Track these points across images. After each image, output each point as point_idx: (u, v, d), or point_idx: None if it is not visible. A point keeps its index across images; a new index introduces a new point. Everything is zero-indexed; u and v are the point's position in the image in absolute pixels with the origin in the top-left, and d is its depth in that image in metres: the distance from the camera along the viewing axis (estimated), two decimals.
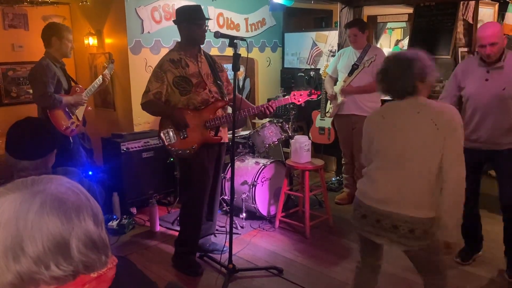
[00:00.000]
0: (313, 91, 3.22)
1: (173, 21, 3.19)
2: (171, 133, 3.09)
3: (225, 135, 3.28)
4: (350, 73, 4.23)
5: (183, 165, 3.30)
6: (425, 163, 1.97)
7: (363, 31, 4.23)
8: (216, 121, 3.10)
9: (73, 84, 3.78)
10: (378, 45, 9.71)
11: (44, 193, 0.79)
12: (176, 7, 4.70)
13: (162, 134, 3.12)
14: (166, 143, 3.11)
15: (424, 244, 2.00)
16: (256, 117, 3.84)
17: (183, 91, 3.06)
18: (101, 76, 3.97)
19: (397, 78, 2.01)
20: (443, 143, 1.93)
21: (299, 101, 3.24)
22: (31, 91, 3.86)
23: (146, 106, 3.11)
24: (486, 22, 3.20)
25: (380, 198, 2.05)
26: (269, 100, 5.81)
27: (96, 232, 0.82)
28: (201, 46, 3.19)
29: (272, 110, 3.12)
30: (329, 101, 4.54)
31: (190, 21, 3.06)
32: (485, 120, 2.89)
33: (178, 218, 3.48)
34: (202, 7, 3.12)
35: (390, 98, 2.14)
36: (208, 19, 3.24)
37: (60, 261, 0.76)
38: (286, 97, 3.25)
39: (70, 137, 3.61)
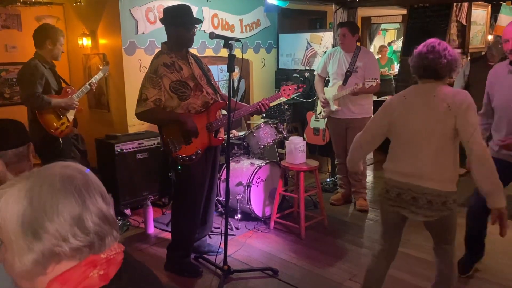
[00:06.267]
0: (300, 85, 3.35)
1: (160, 20, 3.06)
2: (174, 141, 3.00)
3: (223, 135, 3.26)
4: (345, 81, 4.22)
5: (183, 170, 3.10)
6: (439, 140, 2.17)
7: (353, 33, 4.19)
8: (218, 123, 3.08)
9: (64, 85, 3.74)
10: (372, 46, 9.79)
11: (52, 174, 0.84)
12: None
13: (169, 143, 3.00)
14: (173, 152, 3.00)
15: (443, 215, 2.21)
16: (251, 115, 3.89)
17: (183, 95, 2.95)
18: (87, 84, 3.81)
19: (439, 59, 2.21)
20: (455, 121, 2.12)
21: (288, 95, 3.33)
22: None
23: (146, 114, 2.95)
24: None
25: (406, 172, 2.27)
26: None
27: (106, 208, 0.87)
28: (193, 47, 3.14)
29: (267, 107, 3.17)
30: (320, 102, 4.54)
31: (178, 24, 2.93)
32: None
33: (171, 222, 3.38)
34: (197, 8, 3.10)
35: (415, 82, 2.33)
36: (199, 21, 3.13)
37: (77, 233, 0.82)
38: (278, 93, 3.29)
39: (60, 138, 3.58)
